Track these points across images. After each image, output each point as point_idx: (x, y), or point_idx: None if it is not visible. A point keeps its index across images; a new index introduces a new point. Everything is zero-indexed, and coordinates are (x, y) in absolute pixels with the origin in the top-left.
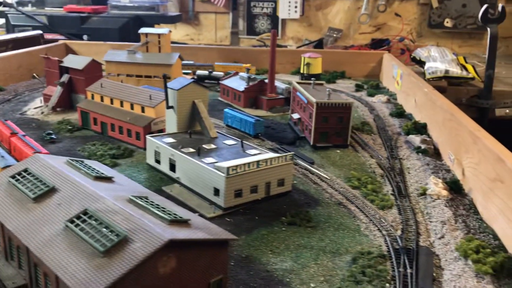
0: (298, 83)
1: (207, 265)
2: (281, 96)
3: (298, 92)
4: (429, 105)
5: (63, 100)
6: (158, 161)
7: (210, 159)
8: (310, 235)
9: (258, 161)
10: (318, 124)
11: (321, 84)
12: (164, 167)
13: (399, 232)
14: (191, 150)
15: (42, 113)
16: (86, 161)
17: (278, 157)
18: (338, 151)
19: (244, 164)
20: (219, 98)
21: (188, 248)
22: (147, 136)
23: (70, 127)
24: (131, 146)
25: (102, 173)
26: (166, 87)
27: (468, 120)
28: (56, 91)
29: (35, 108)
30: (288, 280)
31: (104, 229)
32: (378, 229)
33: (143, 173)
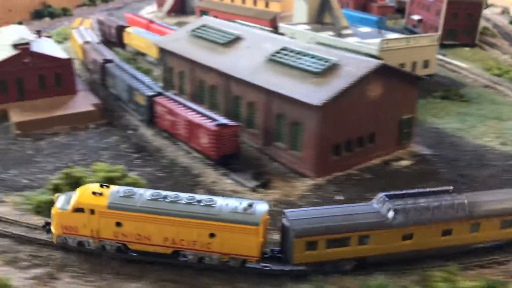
0: None
1: (399, 101)
2: (391, 4)
3: None
4: None
5: (176, 5)
6: None
7: (354, 39)
8: (467, 106)
9: (407, 38)
10: (447, 20)
11: None
12: None
13: None
14: (331, 33)
15: (157, 17)
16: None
17: (425, 36)
18: (467, 49)
19: (396, 39)
20: None
21: (389, 79)
22: (281, 24)
23: None
24: None
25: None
26: None
27: None
28: None
29: (148, 13)
30: (459, 135)
31: (311, 59)
32: None
33: None
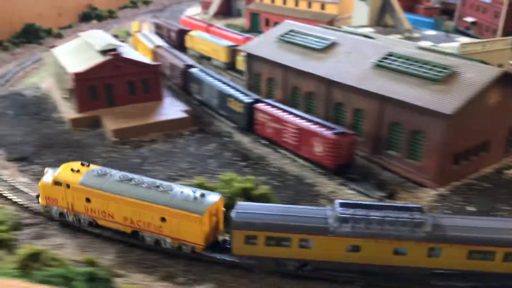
0: None
1: (511, 108)
2: (437, 6)
3: None
4: None
5: (222, 7)
6: None
7: (426, 43)
8: None
9: (483, 41)
10: (507, 22)
11: None
12: None
13: None
14: (399, 36)
15: (203, 19)
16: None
17: (500, 40)
18: None
19: (473, 43)
20: None
21: (505, 86)
22: (344, 27)
23: (239, 30)
24: None
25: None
26: None
27: None
28: None
29: (193, 15)
30: None
31: (425, 65)
32: None
33: None
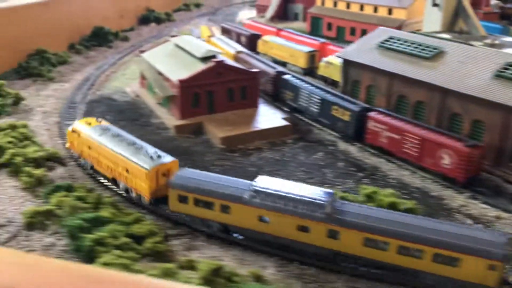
0: None
1: None
2: (496, 11)
3: None
4: None
5: (279, 10)
6: None
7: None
8: None
9: None
10: None
11: None
12: None
13: None
14: (479, 43)
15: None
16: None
17: None
18: None
19: None
20: None
21: None
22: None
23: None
24: None
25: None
26: None
27: None
28: (274, 1)
29: (248, 18)
30: None
31: None
32: None
33: None
